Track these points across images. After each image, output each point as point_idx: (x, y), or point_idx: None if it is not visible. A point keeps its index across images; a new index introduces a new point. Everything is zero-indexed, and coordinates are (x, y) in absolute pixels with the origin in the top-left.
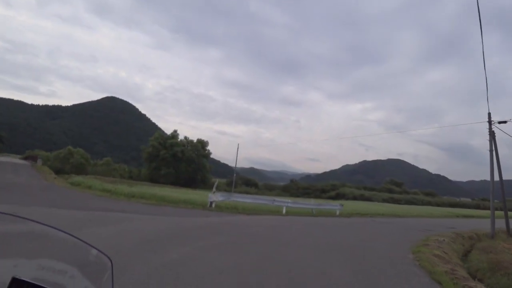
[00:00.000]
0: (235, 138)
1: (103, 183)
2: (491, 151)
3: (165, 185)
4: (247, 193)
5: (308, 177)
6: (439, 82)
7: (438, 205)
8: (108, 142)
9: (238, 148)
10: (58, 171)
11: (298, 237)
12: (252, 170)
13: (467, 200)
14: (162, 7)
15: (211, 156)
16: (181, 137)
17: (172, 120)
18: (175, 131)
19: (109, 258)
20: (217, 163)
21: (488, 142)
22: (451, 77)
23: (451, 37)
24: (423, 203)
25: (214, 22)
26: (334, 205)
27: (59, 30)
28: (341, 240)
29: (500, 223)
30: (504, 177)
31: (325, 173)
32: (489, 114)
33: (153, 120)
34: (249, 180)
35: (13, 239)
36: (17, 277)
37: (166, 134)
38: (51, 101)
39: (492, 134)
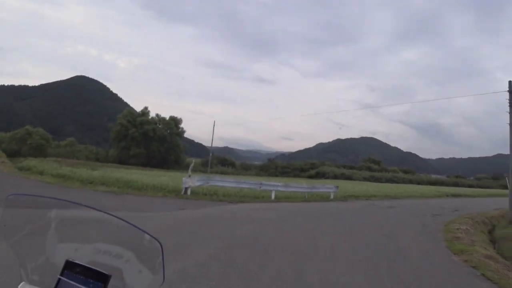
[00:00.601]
0: (209, 117)
1: (62, 166)
2: (511, 124)
3: (135, 166)
4: (224, 173)
5: (282, 155)
6: (412, 61)
7: (418, 183)
8: (79, 123)
9: (214, 126)
10: (14, 154)
11: (314, 238)
12: (226, 149)
13: (442, 177)
14: None
15: (185, 135)
16: (152, 114)
17: (146, 100)
18: (145, 108)
19: (159, 242)
20: (191, 142)
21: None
22: (424, 57)
23: (425, 17)
24: (404, 181)
25: None
26: (329, 187)
27: (26, 6)
28: (366, 235)
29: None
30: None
31: (299, 151)
32: (510, 82)
33: (126, 100)
34: (225, 160)
35: (71, 224)
36: (70, 260)
37: (136, 111)
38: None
39: None
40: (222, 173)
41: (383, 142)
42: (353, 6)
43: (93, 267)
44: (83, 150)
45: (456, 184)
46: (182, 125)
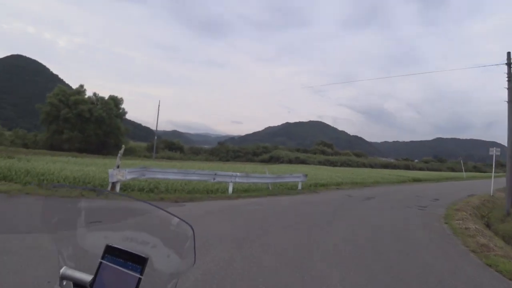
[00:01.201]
0: (157, 100)
1: None
2: (509, 102)
3: (69, 152)
4: (171, 158)
5: (232, 139)
6: (358, 47)
7: (371, 166)
8: (19, 107)
9: (159, 106)
10: None
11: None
12: (175, 133)
13: (391, 160)
14: None
15: (132, 118)
16: (90, 93)
17: (91, 82)
18: (81, 86)
19: (190, 226)
20: (138, 126)
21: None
22: (369, 44)
23: (372, 5)
24: (358, 165)
25: None
26: (297, 176)
27: None
28: (378, 254)
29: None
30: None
31: (248, 135)
32: (509, 53)
33: (68, 82)
34: (172, 144)
35: (103, 212)
36: (110, 244)
37: (70, 90)
38: None
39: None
40: (169, 158)
41: (331, 126)
42: None
43: (131, 251)
44: (8, 136)
45: (407, 167)
46: (123, 106)
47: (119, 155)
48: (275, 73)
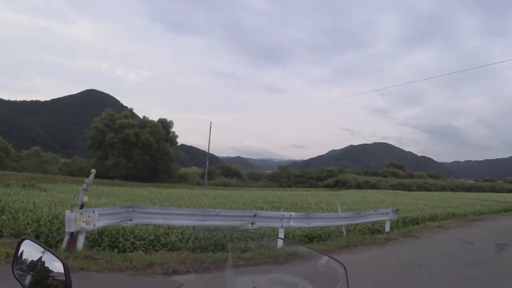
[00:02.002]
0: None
1: None
2: None
3: (113, 180)
4: (226, 185)
5: (294, 163)
6: (420, 64)
7: (452, 189)
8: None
9: (210, 128)
10: None
11: None
12: (238, 159)
13: (470, 181)
14: None
15: (194, 145)
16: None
17: (156, 111)
18: (130, 110)
19: (342, 264)
20: (201, 152)
21: None
22: (432, 60)
23: (431, 20)
24: (436, 188)
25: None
26: (384, 213)
27: (37, 23)
28: None
29: None
30: None
31: (311, 159)
32: None
33: (137, 112)
34: (229, 169)
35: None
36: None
37: (117, 114)
38: (30, 97)
39: None
40: (225, 185)
41: (397, 147)
42: (359, 11)
43: None
44: (51, 161)
45: (493, 189)
46: (173, 129)
47: (84, 186)
48: (334, 95)
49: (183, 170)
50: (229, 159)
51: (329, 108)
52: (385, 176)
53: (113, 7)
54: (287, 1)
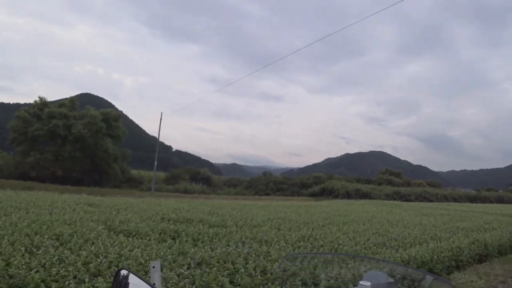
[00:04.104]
0: (216, 134)
1: None
2: None
3: (34, 181)
4: (187, 192)
5: (290, 171)
6: (416, 74)
7: (455, 199)
8: None
9: (161, 119)
10: None
11: None
12: (234, 166)
13: (470, 191)
14: (138, 2)
15: (190, 151)
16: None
17: (152, 117)
18: (72, 99)
19: (450, 283)
20: (196, 158)
21: None
22: (428, 70)
23: (428, 30)
24: (438, 198)
25: (193, 17)
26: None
27: (36, 28)
28: None
29: None
30: None
31: (307, 166)
32: None
33: (132, 117)
34: (197, 173)
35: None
36: None
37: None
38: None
39: None
40: (185, 191)
41: (393, 156)
42: (355, 20)
43: None
44: None
45: (501, 201)
46: (119, 123)
47: None
48: (330, 104)
49: (138, 173)
50: (224, 166)
51: (326, 117)
52: (379, 184)
53: (112, 13)
54: (285, 10)
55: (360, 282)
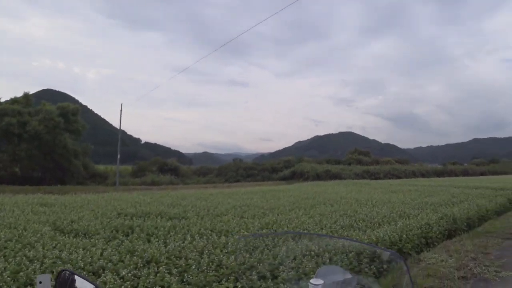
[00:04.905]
0: (185, 123)
1: None
2: None
3: None
4: (155, 184)
5: (262, 156)
6: (381, 54)
7: (423, 175)
8: None
9: (121, 109)
10: None
11: None
12: (205, 154)
13: (437, 166)
14: None
15: (160, 142)
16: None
17: (117, 110)
18: (26, 94)
19: (400, 257)
20: (167, 150)
21: None
22: (391, 49)
23: (390, 10)
24: (406, 175)
25: (153, 5)
26: None
27: None
28: None
29: None
30: None
31: (278, 151)
32: None
33: (97, 111)
34: (164, 165)
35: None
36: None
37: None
38: None
39: None
40: (153, 183)
41: (362, 136)
42: (319, 3)
43: None
44: None
45: (466, 173)
46: (77, 117)
47: None
48: (299, 87)
49: (105, 168)
50: (195, 155)
51: (294, 100)
52: (349, 164)
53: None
54: None
55: (311, 280)
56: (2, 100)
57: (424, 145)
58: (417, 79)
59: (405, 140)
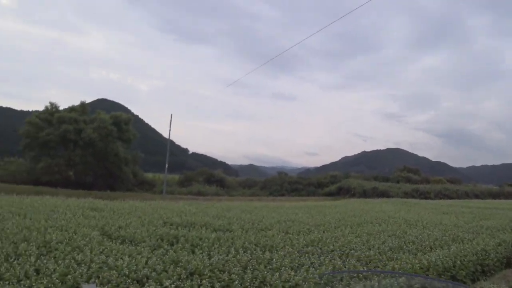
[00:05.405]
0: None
1: None
2: None
3: (45, 186)
4: (201, 194)
5: (307, 171)
6: (433, 68)
7: (477, 196)
8: None
9: (171, 119)
10: None
11: None
12: (251, 167)
13: (494, 187)
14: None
15: (208, 154)
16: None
17: (167, 121)
18: (83, 103)
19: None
20: (209, 159)
21: None
22: (444, 63)
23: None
24: (458, 195)
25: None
26: None
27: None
28: None
29: None
30: None
31: (324, 166)
32: None
33: (148, 121)
34: (211, 176)
35: None
36: None
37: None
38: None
39: None
40: (199, 193)
41: (410, 152)
42: (369, 15)
43: None
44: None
45: None
46: (129, 126)
47: None
48: (346, 101)
49: (153, 176)
50: (241, 167)
51: (341, 114)
52: (398, 182)
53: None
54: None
55: None
56: (61, 108)
57: (478, 164)
58: (472, 94)
59: (458, 158)
